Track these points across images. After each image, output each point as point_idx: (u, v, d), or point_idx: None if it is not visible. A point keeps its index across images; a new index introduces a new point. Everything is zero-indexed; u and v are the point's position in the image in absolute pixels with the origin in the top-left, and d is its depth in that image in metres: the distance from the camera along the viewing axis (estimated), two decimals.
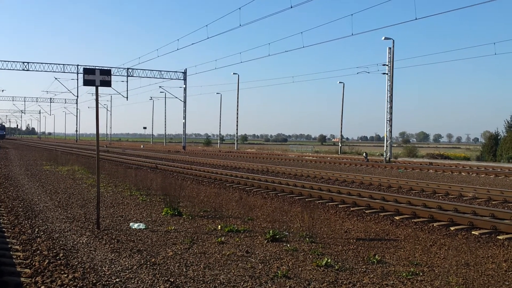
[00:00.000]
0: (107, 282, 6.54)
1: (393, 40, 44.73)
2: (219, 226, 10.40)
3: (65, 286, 6.31)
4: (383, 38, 44.57)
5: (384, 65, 45.39)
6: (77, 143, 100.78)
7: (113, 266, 7.33)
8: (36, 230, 9.94)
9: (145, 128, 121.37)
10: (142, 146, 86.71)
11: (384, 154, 44.26)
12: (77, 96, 74.15)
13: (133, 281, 6.61)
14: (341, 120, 67.02)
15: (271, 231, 9.45)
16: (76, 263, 7.45)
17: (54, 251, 8.13)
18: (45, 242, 8.78)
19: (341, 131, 68.07)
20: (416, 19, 23.83)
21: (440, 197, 16.88)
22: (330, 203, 14.61)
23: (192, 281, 6.67)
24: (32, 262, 7.46)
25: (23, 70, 60.04)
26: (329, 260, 7.66)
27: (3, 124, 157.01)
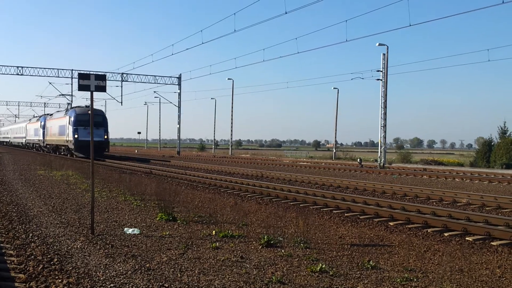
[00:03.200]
0: None
1: (387, 46, 44.93)
2: (214, 232, 10.39)
3: None
4: (377, 44, 44.75)
5: (378, 71, 45.56)
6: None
7: (107, 271, 7.32)
8: (30, 235, 9.91)
9: (139, 133, 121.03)
10: (136, 151, 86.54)
11: (378, 160, 44.37)
12: (71, 101, 73.71)
13: (127, 287, 6.60)
14: (336, 126, 67.22)
15: (265, 237, 9.45)
16: (71, 268, 7.43)
17: (48, 256, 8.11)
18: (39, 247, 8.75)
19: (335, 137, 68.24)
20: (410, 25, 23.97)
21: (434, 203, 16.93)
22: (324, 209, 14.64)
23: (186, 286, 6.66)
24: (26, 267, 7.44)
25: (17, 74, 59.85)
26: (323, 266, 7.67)
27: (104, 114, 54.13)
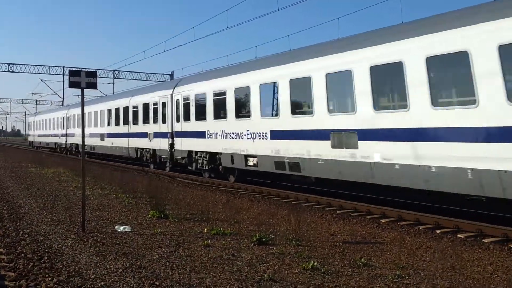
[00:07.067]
0: (92, 286, 6.50)
1: None
2: (206, 229, 10.37)
3: None
4: None
5: None
6: None
7: (98, 269, 7.28)
8: (21, 233, 9.85)
9: None
10: None
11: None
12: (63, 98, 73.34)
13: (118, 285, 6.57)
14: None
15: (257, 234, 9.43)
16: (61, 266, 7.38)
17: (39, 254, 8.06)
18: (29, 245, 8.69)
19: None
20: (402, 23, 23.97)
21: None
22: (316, 206, 14.62)
23: (178, 284, 6.64)
24: (16, 265, 7.40)
25: (9, 71, 59.45)
26: (315, 263, 7.66)
27: None
